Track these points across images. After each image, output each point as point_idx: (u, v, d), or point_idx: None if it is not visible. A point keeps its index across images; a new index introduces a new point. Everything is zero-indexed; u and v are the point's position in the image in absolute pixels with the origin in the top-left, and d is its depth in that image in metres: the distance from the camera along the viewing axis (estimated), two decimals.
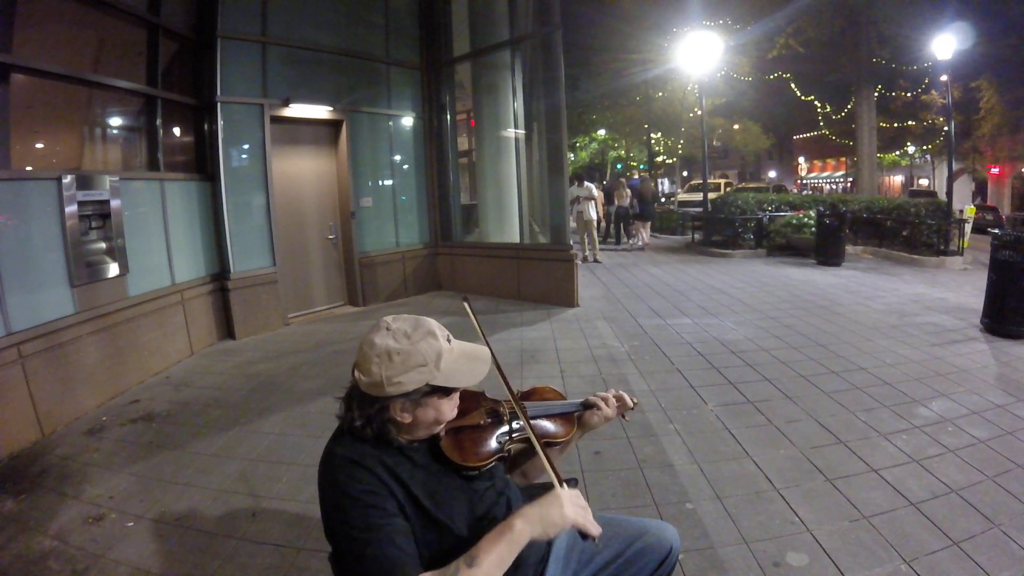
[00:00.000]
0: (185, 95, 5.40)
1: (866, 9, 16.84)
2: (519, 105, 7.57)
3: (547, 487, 1.54)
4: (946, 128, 16.14)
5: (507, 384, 1.34)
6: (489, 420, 1.32)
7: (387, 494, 1.08)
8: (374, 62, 7.07)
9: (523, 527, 1.05)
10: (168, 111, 5.14)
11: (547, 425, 1.43)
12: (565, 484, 1.14)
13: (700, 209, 13.68)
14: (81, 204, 3.91)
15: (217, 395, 4.08)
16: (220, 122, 5.46)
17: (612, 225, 13.57)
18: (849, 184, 32.65)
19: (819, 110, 26.58)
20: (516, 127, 7.59)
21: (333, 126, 6.73)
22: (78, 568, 2.19)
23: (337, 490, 1.07)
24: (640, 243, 12.54)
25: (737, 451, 3.01)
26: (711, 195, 13.96)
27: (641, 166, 32.32)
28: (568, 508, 1.08)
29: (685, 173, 38.75)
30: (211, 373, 4.63)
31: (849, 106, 22.50)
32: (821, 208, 10.28)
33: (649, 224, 12.99)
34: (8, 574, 2.18)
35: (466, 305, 1.49)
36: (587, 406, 1.47)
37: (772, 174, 41.45)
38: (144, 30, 4.87)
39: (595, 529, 1.09)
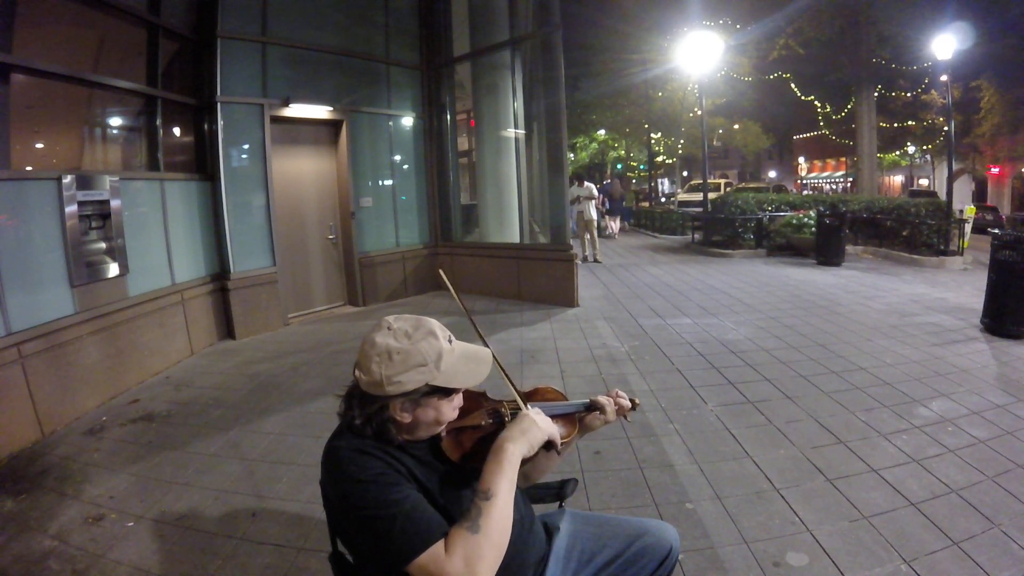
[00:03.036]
0: (185, 95, 5.40)
1: (866, 9, 16.84)
2: (519, 105, 7.56)
3: (549, 490, 1.55)
4: (946, 128, 16.14)
5: (509, 380, 1.34)
6: (490, 420, 1.32)
7: (397, 473, 1.08)
8: (374, 62, 7.07)
9: (514, 449, 1.14)
10: (168, 111, 5.14)
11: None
12: (529, 405, 1.29)
13: (700, 209, 13.71)
14: (81, 204, 3.91)
15: (217, 395, 4.08)
16: (220, 122, 5.46)
17: None
18: (849, 184, 32.66)
19: (819, 110, 26.61)
20: (516, 127, 7.59)
21: (333, 126, 6.73)
22: (78, 568, 2.19)
23: (348, 479, 1.06)
24: (612, 233, 15.48)
25: (737, 451, 3.01)
26: (711, 195, 13.99)
27: (641, 167, 32.33)
28: (541, 423, 1.21)
29: (685, 173, 38.76)
30: (211, 373, 4.63)
31: (849, 106, 22.53)
32: (821, 208, 10.28)
33: (619, 218, 16.38)
34: (8, 574, 2.18)
35: (440, 272, 1.53)
36: (590, 408, 1.47)
37: (772, 174, 41.50)
38: (144, 30, 4.87)
39: (559, 441, 1.26)
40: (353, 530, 1.09)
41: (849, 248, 10.26)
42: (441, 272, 1.53)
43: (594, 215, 10.78)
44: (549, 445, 1.22)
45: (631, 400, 1.53)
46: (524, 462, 1.49)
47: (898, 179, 34.13)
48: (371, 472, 1.05)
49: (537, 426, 1.19)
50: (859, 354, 4.56)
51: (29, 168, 3.96)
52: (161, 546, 2.33)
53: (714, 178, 28.00)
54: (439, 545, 1.00)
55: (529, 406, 1.31)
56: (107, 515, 2.56)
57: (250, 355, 5.08)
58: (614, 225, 15.82)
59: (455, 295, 1.44)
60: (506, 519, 1.06)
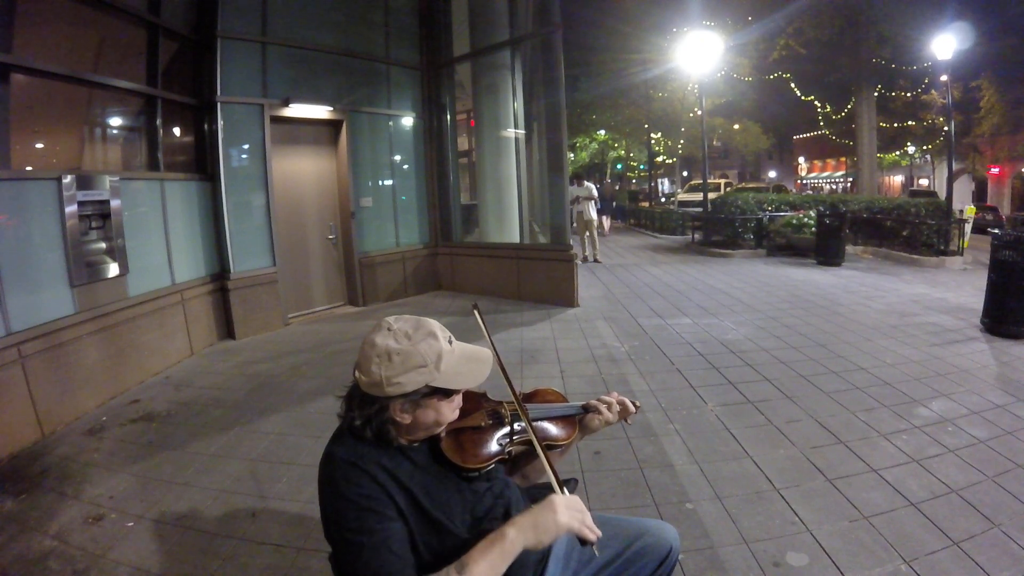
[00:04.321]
0: (185, 95, 5.39)
1: (866, 9, 16.84)
2: (519, 105, 7.56)
3: (547, 488, 1.54)
4: (946, 128, 16.14)
5: (510, 386, 1.34)
6: (490, 422, 1.32)
7: (385, 498, 1.08)
8: (374, 62, 7.07)
9: (516, 536, 1.06)
10: (168, 111, 5.14)
11: (549, 427, 1.43)
12: (565, 488, 1.15)
13: (700, 209, 13.71)
14: (81, 204, 3.91)
15: (217, 395, 4.08)
16: (220, 122, 5.46)
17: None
18: (849, 184, 32.65)
19: (819, 110, 26.60)
20: (516, 127, 7.59)
21: (333, 126, 6.73)
22: (78, 568, 2.19)
23: (335, 492, 1.07)
24: (602, 231, 15.66)
25: (737, 451, 3.01)
26: (711, 195, 13.99)
27: (641, 167, 32.34)
28: (563, 515, 1.07)
29: (685, 173, 38.77)
30: (211, 373, 4.63)
31: (849, 106, 22.52)
32: (821, 208, 10.28)
33: (608, 217, 17.28)
34: (8, 574, 2.18)
35: (476, 313, 1.48)
36: (588, 410, 1.47)
37: (772, 174, 41.48)
38: (144, 30, 4.87)
39: (593, 535, 1.08)
40: (331, 538, 1.11)
41: (849, 248, 10.25)
42: (477, 312, 1.46)
43: (594, 215, 10.77)
44: (583, 541, 1.09)
45: (632, 403, 1.53)
46: (524, 465, 1.49)
47: (898, 179, 34.13)
48: (357, 491, 1.06)
49: (555, 518, 1.07)
50: (859, 354, 4.56)
51: (29, 168, 3.95)
52: (161, 546, 2.33)
53: (714, 178, 28.02)
54: None
55: (531, 416, 1.30)
56: (107, 515, 2.56)
57: (250, 355, 5.08)
58: (604, 222, 16.50)
59: (488, 338, 1.40)
60: None
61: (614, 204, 20.10)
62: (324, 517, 1.11)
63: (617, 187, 26.16)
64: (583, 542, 1.09)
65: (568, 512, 1.08)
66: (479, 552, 1.04)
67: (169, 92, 5.10)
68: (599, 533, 1.09)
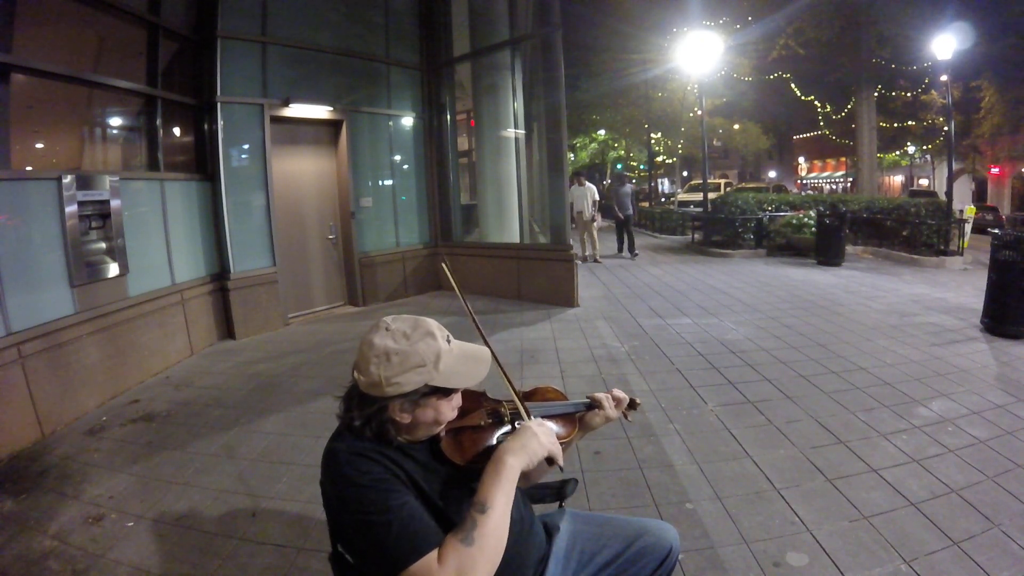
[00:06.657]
0: (185, 95, 5.40)
1: (866, 9, 16.84)
2: (519, 105, 7.57)
3: (547, 488, 1.54)
4: (946, 128, 16.15)
5: (511, 385, 1.34)
6: (490, 421, 1.32)
7: (396, 479, 1.08)
8: (374, 62, 7.07)
9: (513, 461, 1.12)
10: (168, 111, 5.14)
11: (549, 426, 1.43)
12: (531, 414, 1.29)
13: (700, 209, 13.71)
14: (81, 204, 3.91)
15: (217, 395, 4.08)
16: (220, 122, 5.46)
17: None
18: (849, 184, 32.66)
19: (819, 110, 26.61)
20: (516, 127, 7.60)
21: (333, 126, 6.73)
22: (78, 568, 2.19)
23: (347, 482, 1.06)
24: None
25: (737, 451, 3.01)
26: (711, 195, 13.99)
27: (642, 167, 32.38)
28: (543, 437, 1.18)
29: (685, 173, 38.77)
30: (211, 373, 4.63)
31: (849, 106, 22.52)
32: (821, 208, 10.28)
33: (599, 214, 18.49)
34: (8, 574, 2.18)
35: (443, 266, 1.51)
36: (590, 406, 1.47)
37: (772, 174, 41.47)
38: (144, 30, 4.87)
39: (561, 458, 1.22)
40: (350, 533, 1.09)
41: (849, 248, 10.25)
42: (444, 266, 1.50)
43: (593, 215, 10.75)
44: (550, 461, 1.20)
45: (631, 399, 1.53)
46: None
47: (898, 179, 34.13)
48: (370, 476, 1.05)
49: (538, 440, 1.17)
50: (859, 354, 4.56)
51: (29, 168, 3.96)
52: (161, 546, 2.33)
53: (714, 178, 28.01)
54: (432, 555, 0.99)
55: (532, 416, 1.30)
56: (107, 515, 2.56)
57: (250, 355, 5.08)
58: (597, 217, 17.53)
59: (455, 286, 1.43)
60: (501, 532, 1.05)
61: (603, 202, 21.76)
62: (335, 511, 1.10)
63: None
64: (551, 463, 1.19)
65: (545, 435, 1.20)
66: (490, 487, 1.08)
67: (169, 92, 5.11)
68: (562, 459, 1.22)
